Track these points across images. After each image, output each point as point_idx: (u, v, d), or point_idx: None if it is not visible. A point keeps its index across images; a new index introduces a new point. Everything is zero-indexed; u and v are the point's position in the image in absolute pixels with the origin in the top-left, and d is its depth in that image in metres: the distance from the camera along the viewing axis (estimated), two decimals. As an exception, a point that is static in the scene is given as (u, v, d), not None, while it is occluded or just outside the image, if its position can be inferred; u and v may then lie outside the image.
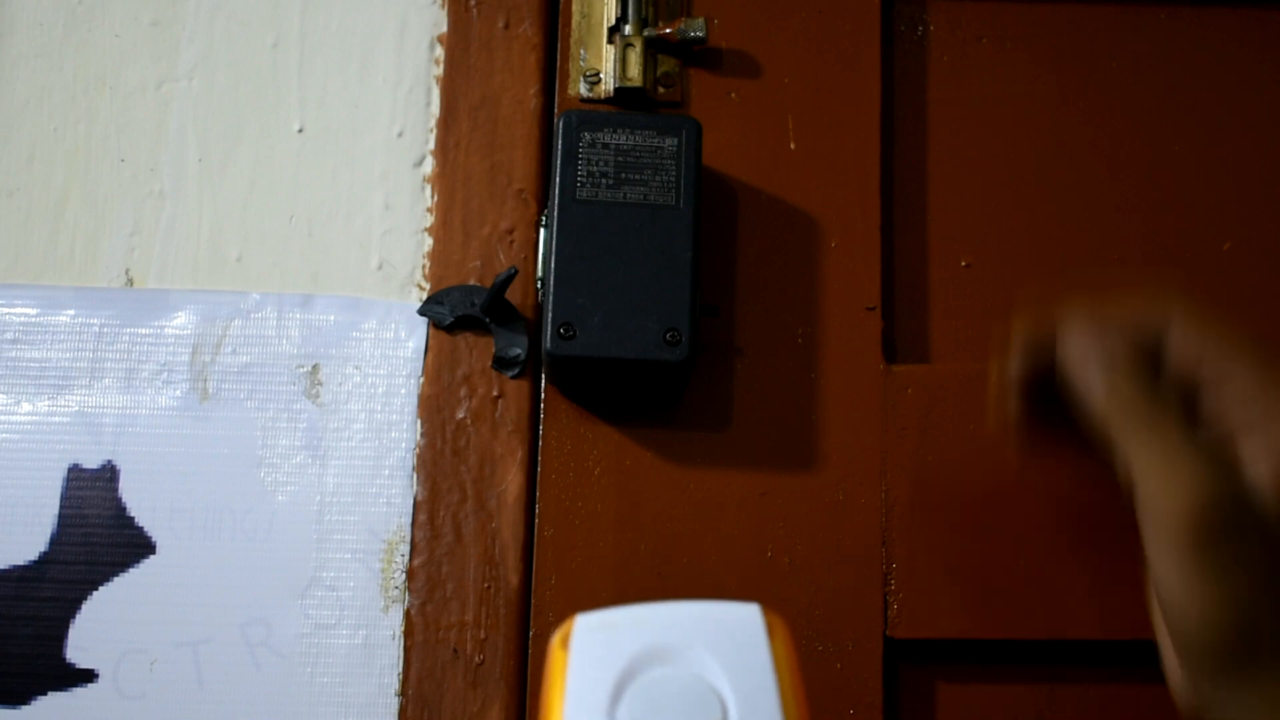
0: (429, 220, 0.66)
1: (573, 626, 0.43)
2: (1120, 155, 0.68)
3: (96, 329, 0.64)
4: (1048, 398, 0.55)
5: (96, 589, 0.61)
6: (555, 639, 0.44)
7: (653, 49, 0.66)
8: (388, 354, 0.64)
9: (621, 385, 0.62)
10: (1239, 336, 0.54)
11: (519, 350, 0.64)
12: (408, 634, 0.61)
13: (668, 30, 0.66)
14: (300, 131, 0.67)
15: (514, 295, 0.64)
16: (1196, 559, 0.52)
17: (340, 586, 0.61)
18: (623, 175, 0.61)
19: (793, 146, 0.66)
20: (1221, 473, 0.52)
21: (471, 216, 0.66)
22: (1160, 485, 0.52)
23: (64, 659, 0.60)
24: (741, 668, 0.42)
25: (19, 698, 0.60)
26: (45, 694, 0.60)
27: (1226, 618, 0.52)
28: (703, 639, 0.43)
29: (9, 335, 0.64)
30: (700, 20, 0.66)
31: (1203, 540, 0.52)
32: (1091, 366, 0.54)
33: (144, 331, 0.64)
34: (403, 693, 0.60)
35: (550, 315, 0.59)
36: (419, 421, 0.63)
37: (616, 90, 0.66)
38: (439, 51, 0.68)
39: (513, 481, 0.63)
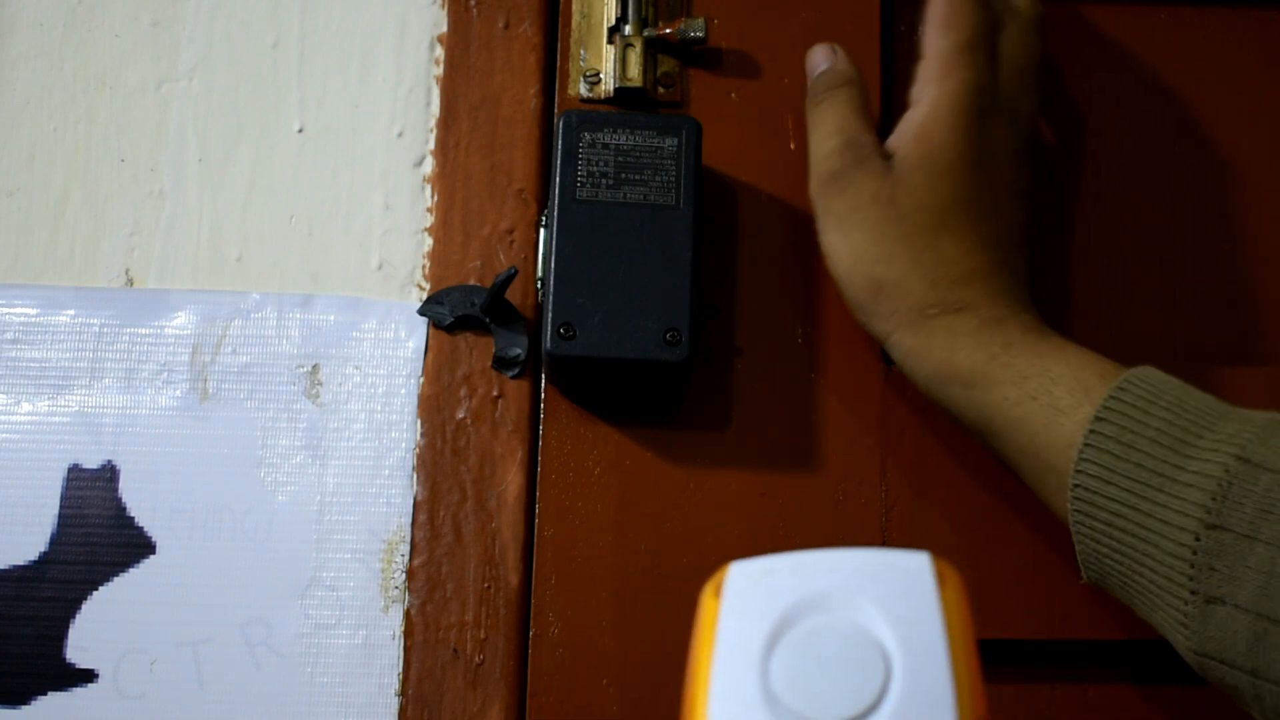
0: (429, 220, 0.66)
1: (727, 573, 0.41)
2: (1119, 155, 0.68)
3: (96, 329, 0.64)
4: None
5: (96, 589, 0.61)
6: (708, 588, 0.41)
7: (653, 49, 0.67)
8: (388, 354, 0.64)
9: (621, 385, 0.62)
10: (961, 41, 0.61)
11: (519, 350, 0.64)
12: (408, 634, 0.61)
13: (668, 30, 0.66)
14: (300, 131, 0.67)
15: (514, 295, 0.64)
16: (823, 207, 0.61)
17: (340, 586, 0.61)
18: (623, 175, 0.61)
19: (793, 146, 0.66)
20: (846, 140, 0.61)
21: (471, 216, 0.66)
22: (814, 143, 0.62)
23: (64, 659, 0.60)
24: (907, 619, 0.39)
25: (19, 698, 0.60)
26: (45, 694, 0.60)
27: (850, 263, 0.60)
28: (866, 587, 0.40)
29: (9, 335, 0.64)
30: (700, 20, 0.66)
31: (823, 191, 0.61)
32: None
33: (144, 331, 0.64)
34: (403, 693, 0.60)
35: (550, 315, 0.59)
36: (419, 421, 0.63)
37: (616, 90, 0.66)
38: (439, 51, 0.68)
39: (513, 481, 0.63)
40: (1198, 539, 0.51)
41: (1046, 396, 0.55)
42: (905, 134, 0.60)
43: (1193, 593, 0.51)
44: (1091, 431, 0.53)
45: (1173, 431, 0.52)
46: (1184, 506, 0.51)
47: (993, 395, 0.56)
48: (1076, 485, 0.54)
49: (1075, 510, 0.54)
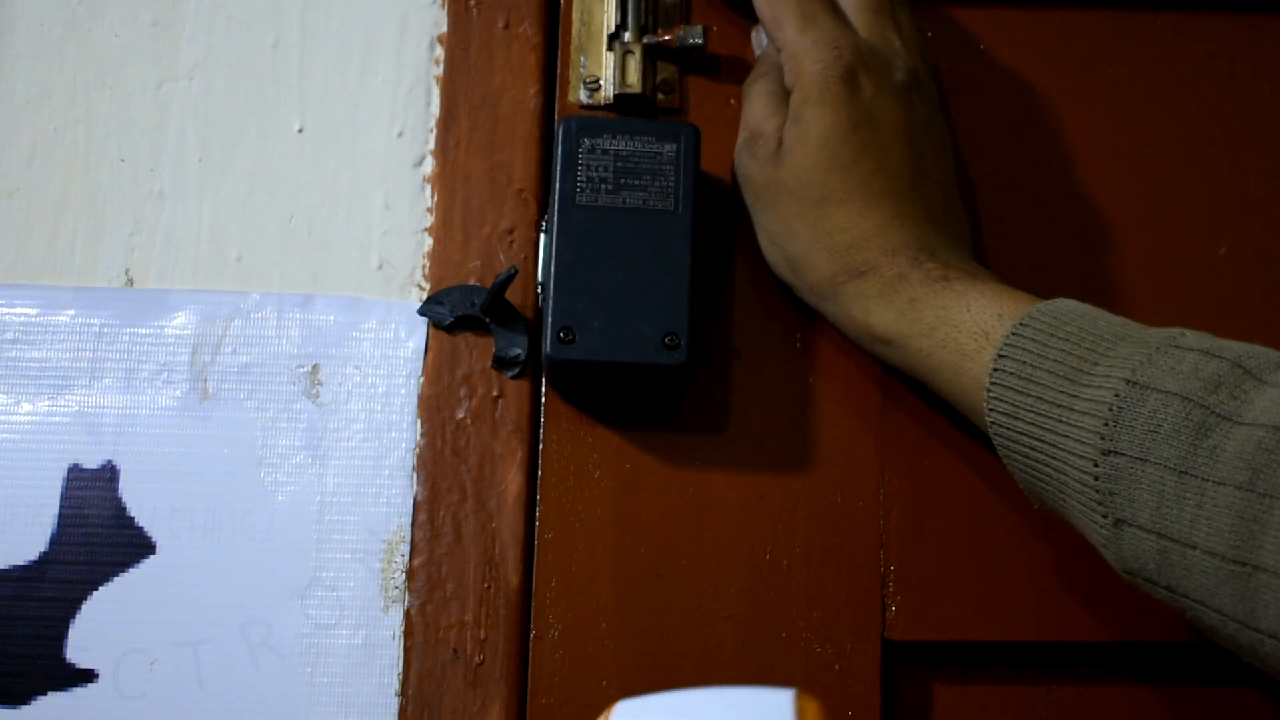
0: (429, 220, 0.66)
1: (611, 713, 0.45)
2: (1116, 159, 0.69)
3: (96, 329, 0.64)
4: None
5: (96, 589, 0.61)
6: None
7: (652, 56, 0.67)
8: (388, 354, 0.64)
9: (621, 389, 0.62)
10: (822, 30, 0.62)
11: (519, 350, 0.64)
12: (408, 634, 0.61)
13: (667, 37, 0.66)
14: (300, 131, 0.67)
15: (514, 295, 0.65)
16: (746, 202, 0.64)
17: (340, 586, 0.62)
18: (622, 181, 0.62)
19: (791, 150, 0.67)
20: (749, 135, 0.63)
21: (471, 216, 0.66)
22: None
23: (64, 659, 0.60)
24: None
25: (19, 698, 0.60)
26: (45, 694, 0.60)
27: (768, 247, 0.63)
28: None
29: (9, 335, 0.64)
30: (699, 27, 0.66)
31: (740, 188, 0.64)
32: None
33: (144, 331, 0.64)
34: (403, 693, 0.61)
35: (550, 319, 0.60)
36: (419, 421, 0.64)
37: (616, 97, 0.66)
38: (439, 51, 0.68)
39: (513, 481, 0.63)
40: (1096, 465, 0.53)
41: (953, 344, 0.58)
42: (788, 121, 0.62)
43: (1104, 516, 0.53)
44: (995, 370, 0.56)
45: (1069, 361, 0.54)
46: (1081, 435, 0.53)
47: (909, 350, 0.59)
48: (992, 423, 0.57)
49: (999, 446, 0.57)
